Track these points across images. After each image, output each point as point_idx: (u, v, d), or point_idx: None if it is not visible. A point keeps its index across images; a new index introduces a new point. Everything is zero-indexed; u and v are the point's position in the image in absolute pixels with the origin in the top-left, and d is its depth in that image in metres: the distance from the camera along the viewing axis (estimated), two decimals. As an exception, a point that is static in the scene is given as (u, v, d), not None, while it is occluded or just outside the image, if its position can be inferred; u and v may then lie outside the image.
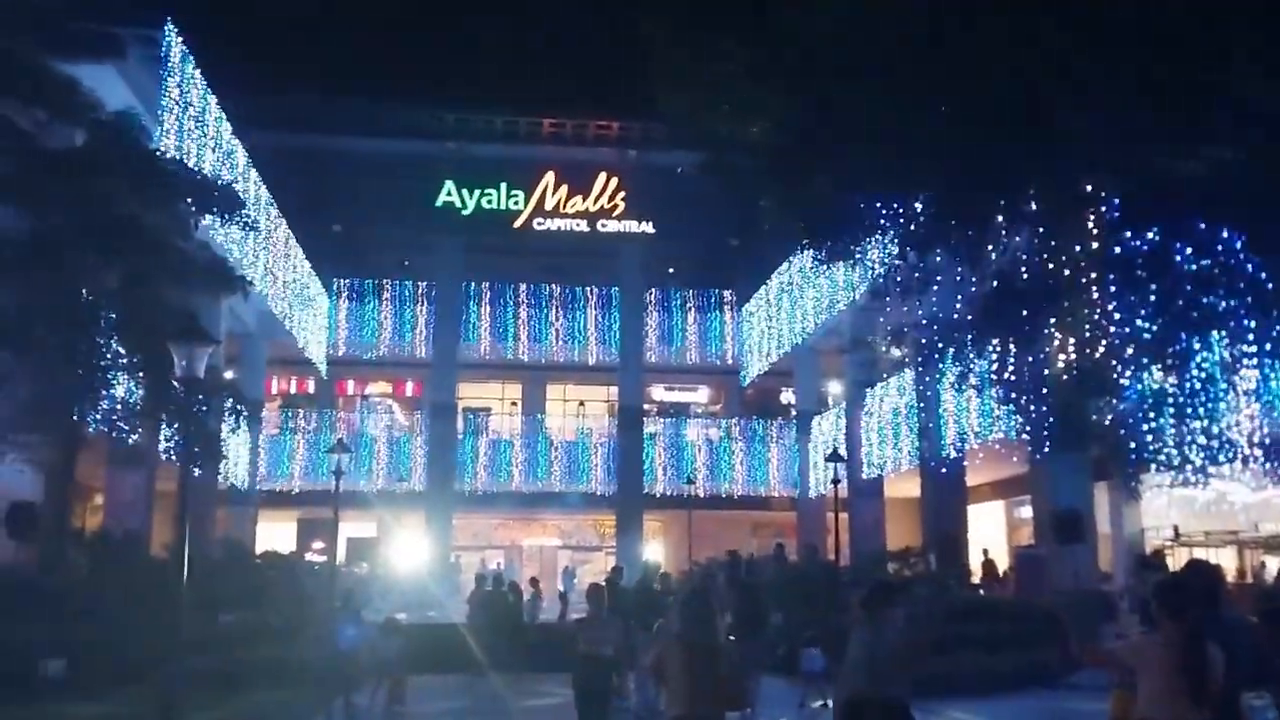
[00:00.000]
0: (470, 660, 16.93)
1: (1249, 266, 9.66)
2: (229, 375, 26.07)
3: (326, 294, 36.28)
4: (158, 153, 17.95)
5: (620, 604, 15.17)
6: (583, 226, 37.89)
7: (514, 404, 40.33)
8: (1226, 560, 29.69)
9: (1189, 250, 9.79)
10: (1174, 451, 11.41)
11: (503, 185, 37.58)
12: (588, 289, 38.26)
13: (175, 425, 17.27)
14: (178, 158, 19.09)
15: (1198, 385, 10.99)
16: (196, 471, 17.60)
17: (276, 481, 34.42)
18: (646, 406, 39.07)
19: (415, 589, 28.93)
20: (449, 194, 37.38)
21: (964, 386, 13.45)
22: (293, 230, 30.63)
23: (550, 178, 37.65)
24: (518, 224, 37.57)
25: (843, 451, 26.23)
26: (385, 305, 37.49)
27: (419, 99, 36.46)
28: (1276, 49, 8.62)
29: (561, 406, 40.62)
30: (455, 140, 37.23)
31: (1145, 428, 11.28)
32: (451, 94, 36.94)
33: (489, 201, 37.58)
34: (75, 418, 16.87)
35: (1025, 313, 10.98)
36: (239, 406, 19.14)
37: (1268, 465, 12.80)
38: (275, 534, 33.19)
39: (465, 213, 37.43)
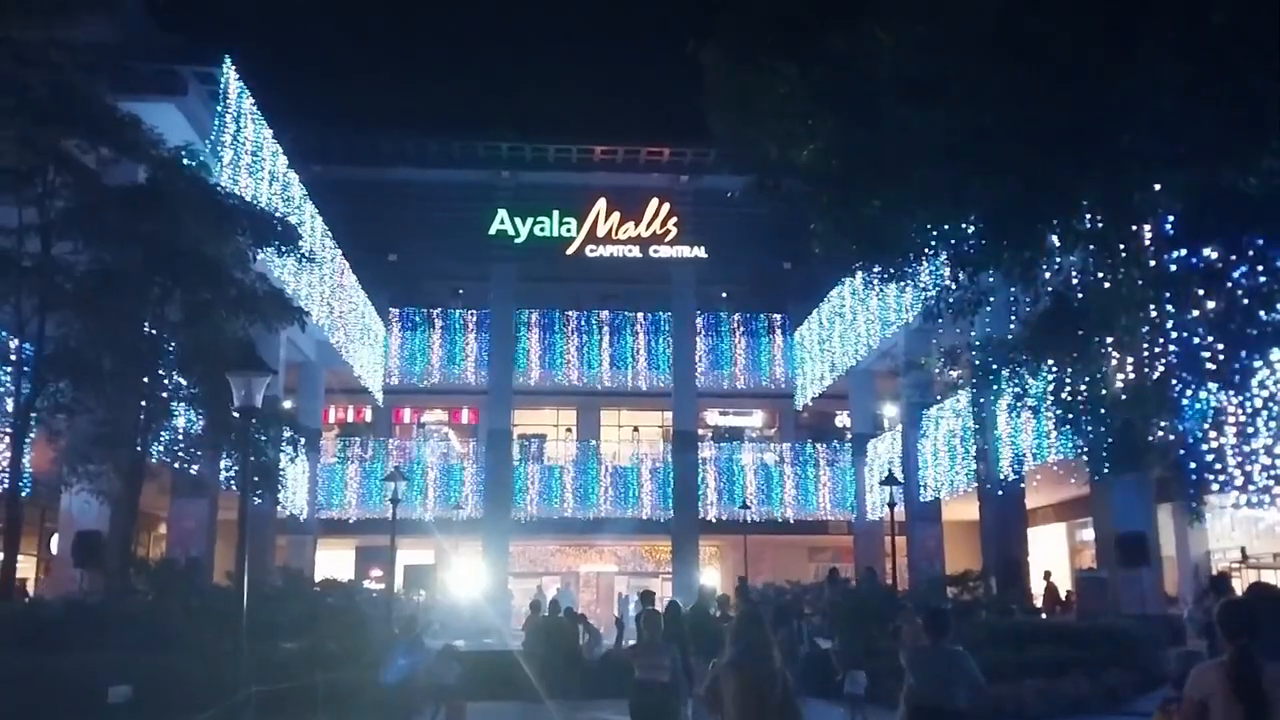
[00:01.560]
0: (527, 687, 16.93)
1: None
2: (288, 405, 26.56)
3: (382, 323, 36.75)
4: (217, 187, 18.38)
5: (675, 631, 15.13)
6: (635, 252, 38.03)
7: (568, 430, 40.47)
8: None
9: (1246, 266, 9.61)
10: (1236, 471, 11.17)
11: (555, 213, 37.87)
12: (640, 314, 38.37)
13: (235, 455, 17.57)
14: (236, 192, 19.53)
15: (1259, 404, 10.76)
16: (256, 500, 17.91)
17: (334, 510, 34.80)
18: (700, 431, 38.99)
19: (472, 616, 29.03)
20: (502, 222, 37.74)
21: (1020, 407, 13.27)
22: (349, 261, 31.14)
23: (602, 204, 37.89)
24: (570, 251, 37.83)
25: (899, 474, 25.95)
26: (440, 333, 37.89)
27: (472, 129, 36.93)
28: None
29: (616, 432, 40.67)
30: (508, 169, 37.63)
31: (1206, 448, 11.05)
32: (504, 123, 37.34)
33: (542, 229, 37.88)
34: (139, 448, 17.24)
35: (1081, 332, 10.83)
36: (297, 436, 19.43)
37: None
38: (334, 562, 33.55)
39: (518, 241, 37.77)
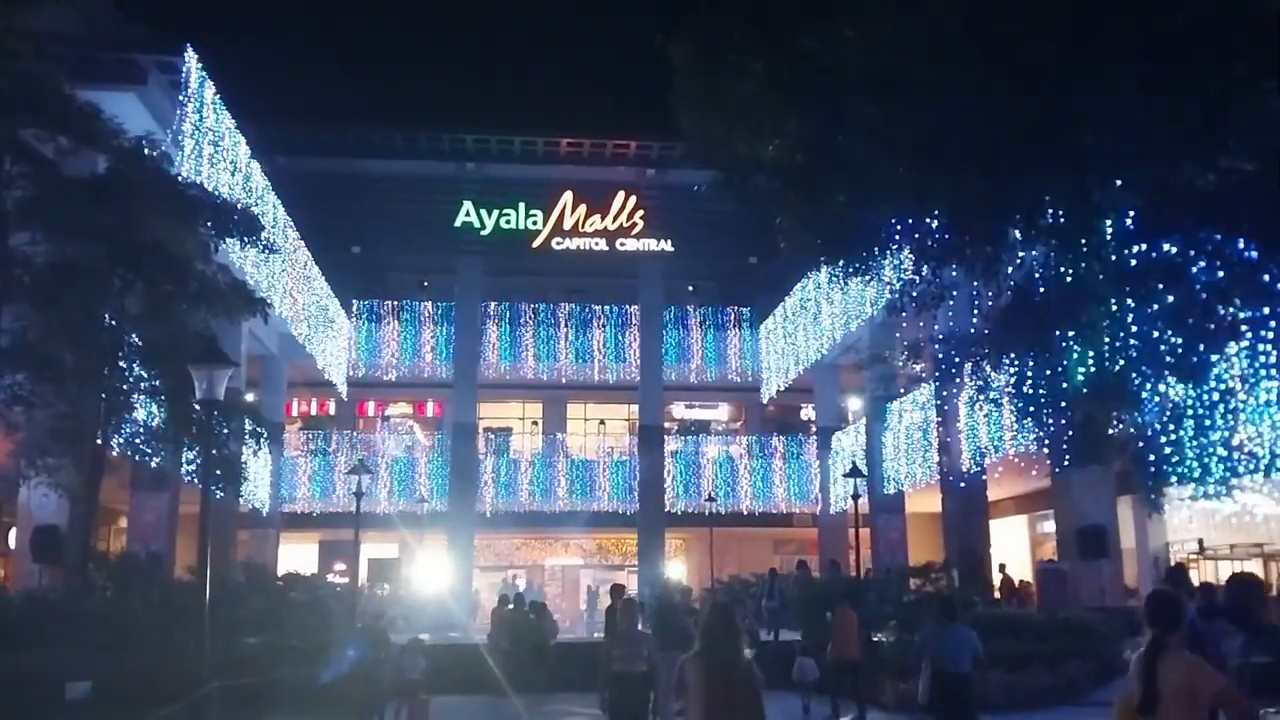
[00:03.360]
0: (493, 681, 16.94)
1: (1265, 277, 9.62)
2: (250, 397, 26.33)
3: (346, 316, 36.51)
4: (179, 178, 18.16)
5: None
6: (601, 245, 37.99)
7: (534, 423, 40.42)
8: (1255, 571, 29.45)
9: (1205, 262, 9.76)
10: (1195, 464, 11.34)
11: (521, 205, 37.75)
12: (607, 307, 38.37)
13: (197, 448, 17.41)
14: (198, 182, 19.31)
15: (1217, 397, 10.94)
16: (218, 494, 17.74)
17: (298, 503, 34.57)
18: (667, 424, 39.06)
19: (437, 609, 28.96)
20: (468, 215, 37.57)
21: (982, 401, 13.39)
22: (312, 253, 30.90)
23: (568, 197, 37.80)
24: (536, 244, 37.73)
25: (863, 467, 26.13)
26: (405, 326, 37.70)
27: (437, 120, 36.73)
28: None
29: (582, 425, 40.67)
30: (474, 161, 37.46)
31: (1165, 440, 11.22)
32: (469, 115, 37.16)
33: (508, 222, 37.75)
34: (99, 441, 17.04)
35: (1042, 326, 10.96)
36: (260, 429, 19.27)
37: (1291, 477, 12.68)
38: (297, 556, 33.36)
39: (484, 233, 37.62)
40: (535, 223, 37.77)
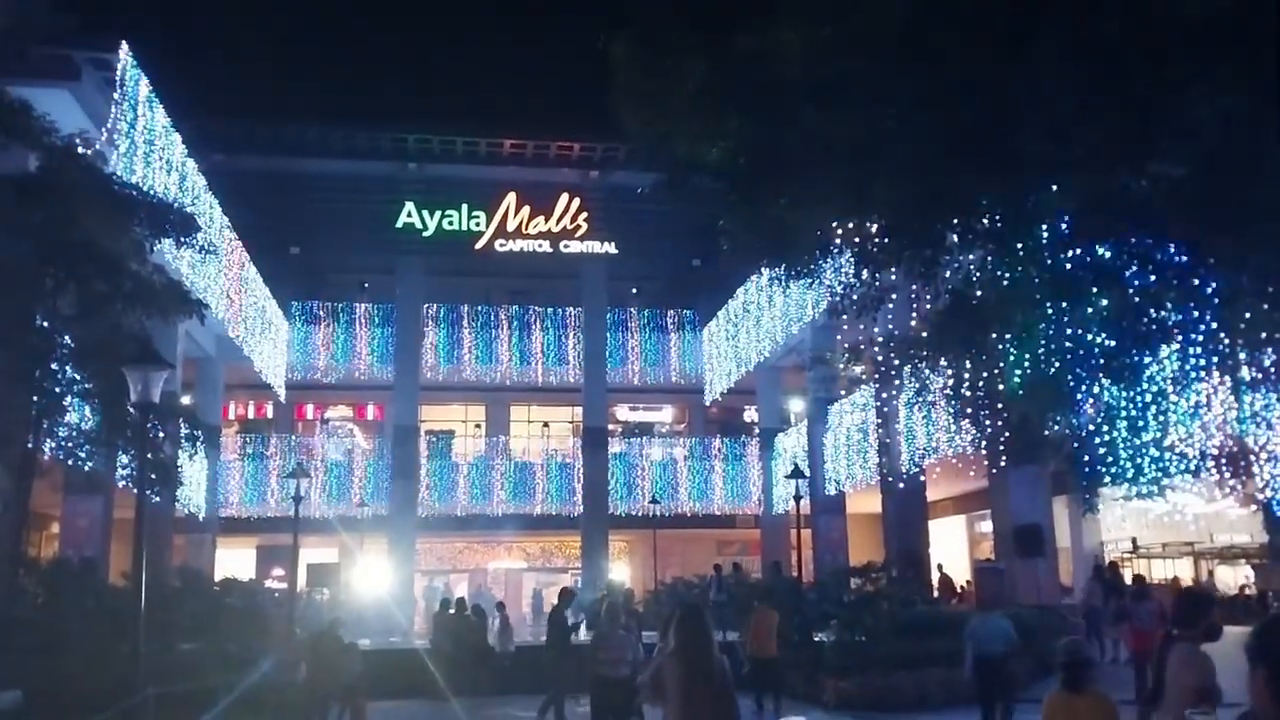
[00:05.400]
0: (433, 685, 16.80)
1: (1196, 281, 9.87)
2: (186, 400, 25.86)
3: (285, 317, 36.01)
4: (113, 176, 17.80)
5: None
6: (545, 247, 37.89)
7: (477, 426, 40.18)
8: (1183, 570, 30.21)
9: (1137, 266, 9.99)
10: (1128, 464, 11.60)
11: (464, 206, 37.52)
12: (551, 310, 38.27)
13: (131, 451, 17.06)
14: (133, 181, 18.94)
15: (1149, 399, 11.20)
16: (154, 498, 17.41)
17: (235, 507, 34.05)
18: (611, 427, 39.06)
19: (378, 614, 28.66)
20: (409, 215, 37.26)
21: (921, 402, 13.59)
22: (251, 253, 30.44)
23: (512, 199, 37.65)
24: (479, 245, 37.51)
25: (805, 469, 26.35)
26: (345, 328, 37.26)
27: (379, 120, 36.36)
28: (1216, 66, 8.85)
29: (525, 428, 40.53)
30: (415, 161, 37.14)
31: (1098, 441, 11.46)
32: (411, 114, 36.83)
33: (450, 223, 37.49)
34: (30, 445, 16.64)
35: (979, 329, 11.15)
36: (196, 432, 18.95)
37: (1218, 477, 13.04)
38: (234, 561, 32.83)
39: (426, 234, 37.32)
40: (478, 224, 37.56)
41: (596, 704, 10.29)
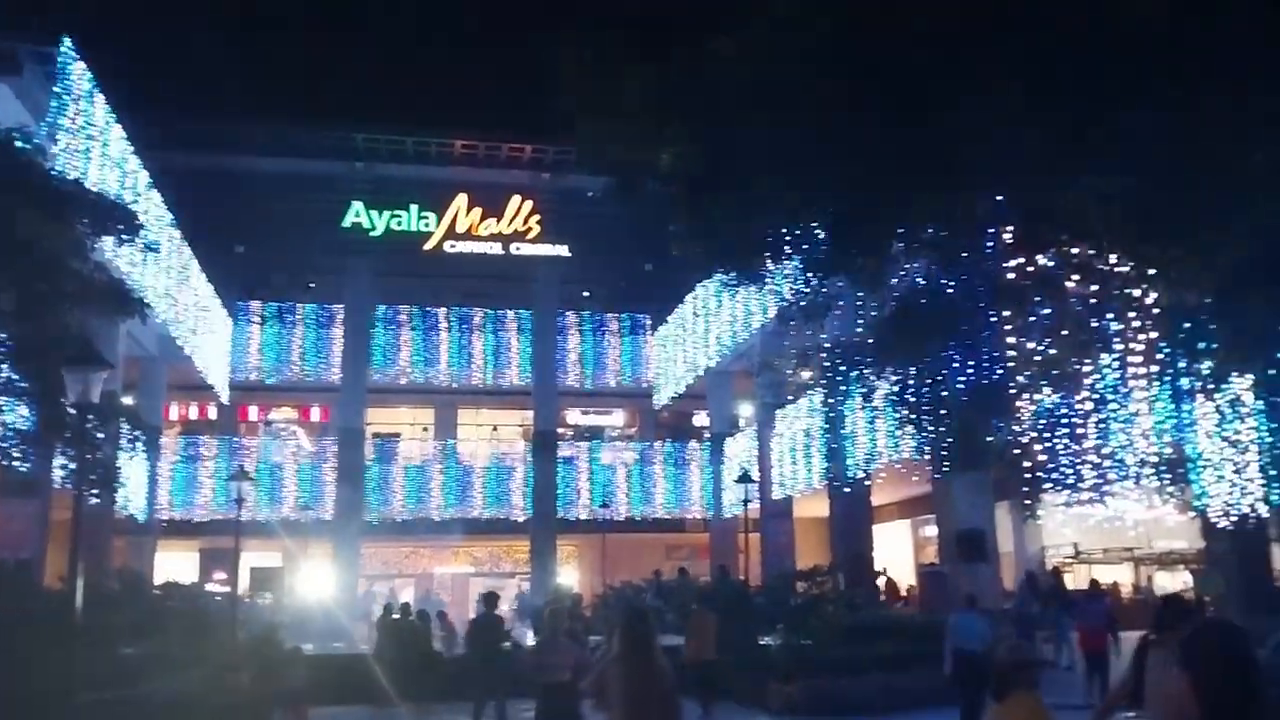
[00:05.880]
0: (377, 690, 16.64)
1: (1135, 292, 10.07)
2: (127, 400, 25.42)
3: (230, 317, 35.51)
4: (53, 172, 17.44)
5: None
6: (496, 249, 37.74)
7: (425, 429, 39.87)
8: (1123, 575, 30.76)
9: (1077, 276, 10.17)
10: (1068, 471, 11.81)
11: (413, 207, 37.27)
12: (501, 312, 38.10)
13: (70, 452, 16.71)
14: (75, 177, 18.57)
15: (1089, 406, 11.41)
16: (92, 500, 17.08)
17: (177, 510, 33.51)
18: (561, 430, 38.95)
19: (323, 619, 28.34)
20: (357, 215, 36.93)
21: (868, 408, 13.73)
22: (195, 252, 29.98)
23: (462, 200, 37.45)
24: (429, 246, 37.27)
25: (754, 473, 26.47)
26: (291, 329, 36.81)
27: (326, 118, 36.00)
28: (1155, 82, 9.04)
29: (474, 431, 40.30)
30: (364, 161, 36.82)
31: (1040, 448, 11.65)
32: (360, 113, 36.56)
33: (399, 223, 37.22)
34: (-37, 445, 16.24)
35: (924, 336, 11.28)
36: (137, 433, 18.61)
37: (1157, 484, 13.33)
38: (176, 564, 32.31)
39: (374, 234, 37.01)
40: (428, 225, 37.32)
41: (541, 709, 10.25)
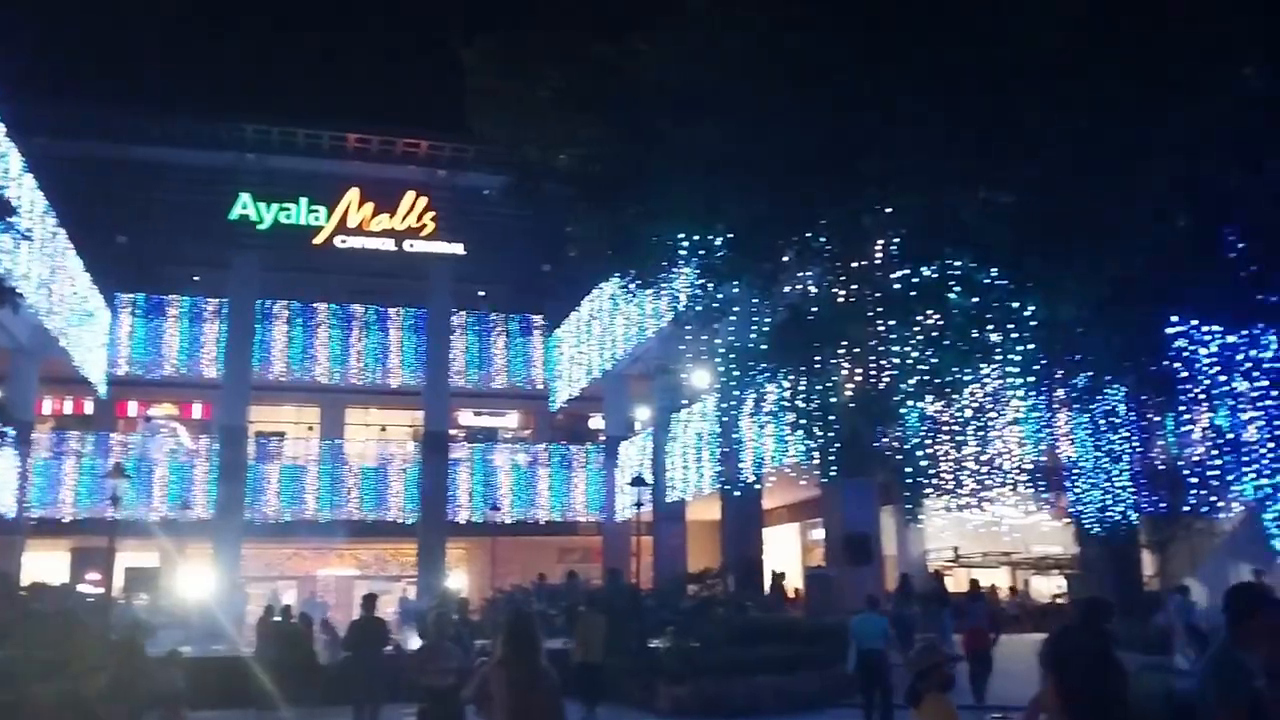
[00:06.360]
0: (258, 694, 16.23)
1: (1015, 304, 10.38)
2: (-5, 394, 24.28)
3: (109, 309, 34.21)
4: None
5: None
6: (389, 246, 37.09)
7: (311, 428, 38.98)
8: (1001, 579, 31.77)
9: (960, 287, 10.45)
10: (949, 477, 12.12)
11: (303, 200, 36.36)
12: (393, 310, 37.42)
13: (-71, 448, 15.91)
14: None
15: (970, 414, 11.73)
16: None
17: (47, 508, 32.11)
18: (453, 432, 38.49)
19: (202, 620, 27.53)
20: (245, 207, 35.89)
21: (760, 413, 13.90)
22: (73, 241, 28.79)
23: (355, 194, 36.70)
24: (318, 240, 36.44)
25: (648, 476, 26.55)
26: (173, 323, 35.58)
27: (215, 107, 35.01)
28: (1045, 105, 9.34)
29: (363, 431, 39.55)
30: (253, 152, 35.81)
31: (922, 454, 11.93)
32: (250, 103, 35.61)
33: (288, 216, 36.28)
34: None
35: (814, 343, 11.46)
36: (6, 427, 17.80)
37: (1033, 490, 13.80)
38: (46, 564, 31.01)
39: (262, 227, 36.01)
40: (318, 219, 36.48)
41: (424, 713, 10.14)
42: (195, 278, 36.69)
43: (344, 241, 36.64)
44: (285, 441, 37.32)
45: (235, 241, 35.52)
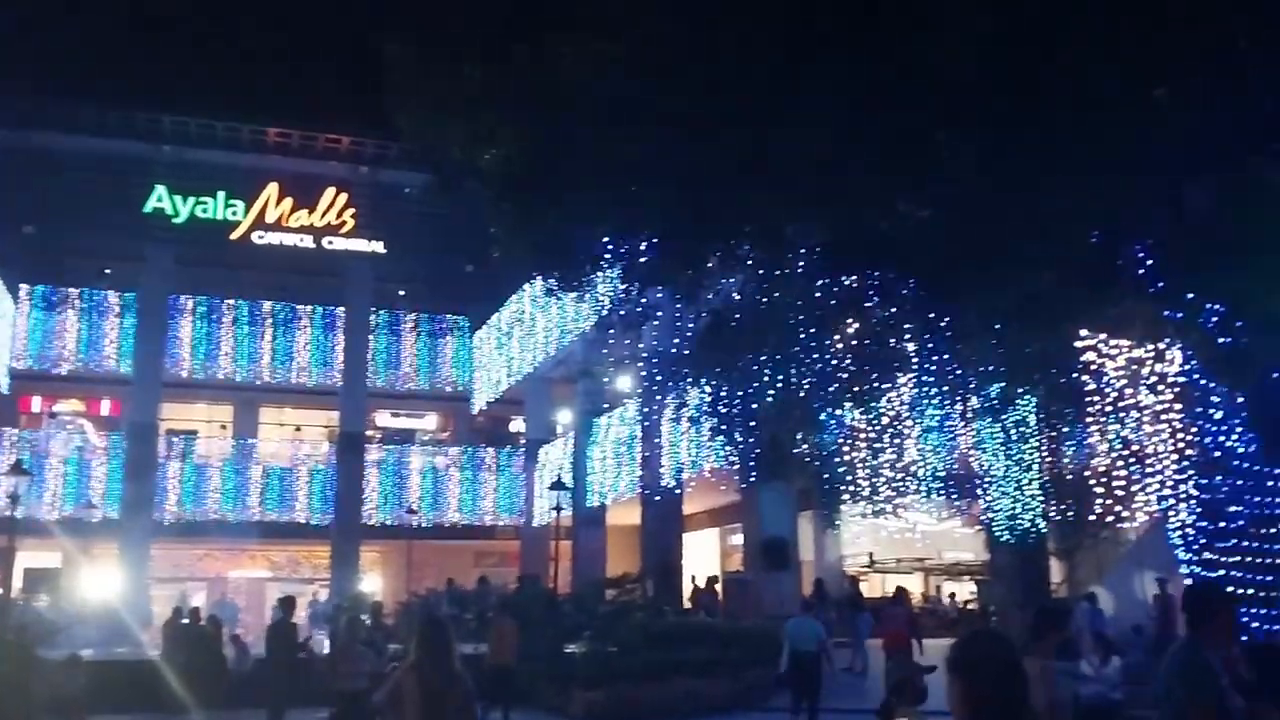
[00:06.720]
0: (164, 697, 15.86)
1: (931, 315, 10.56)
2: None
3: (13, 301, 33.06)
4: None
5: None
6: (308, 242, 36.41)
7: (223, 427, 38.09)
8: (914, 585, 32.31)
9: (879, 298, 10.61)
10: (865, 484, 12.29)
11: (221, 194, 35.52)
12: (311, 308, 36.72)
13: None
14: None
15: (886, 422, 11.91)
16: None
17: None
18: (370, 433, 37.92)
19: (106, 623, 26.72)
20: (159, 200, 34.93)
21: (681, 418, 13.95)
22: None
23: (273, 189, 35.97)
24: (235, 235, 35.64)
25: (568, 480, 26.45)
26: (82, 316, 34.49)
27: (130, 96, 33.96)
28: (963, 120, 9.51)
29: (277, 431, 38.76)
30: (169, 144, 34.88)
31: (839, 461, 12.08)
32: (168, 93, 34.62)
33: (204, 210, 35.41)
34: None
35: (736, 350, 11.53)
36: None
37: (946, 498, 14.08)
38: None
39: (177, 221, 35.09)
40: (235, 214, 35.68)
41: (335, 717, 9.99)
42: (107, 270, 35.65)
43: (262, 237, 35.91)
44: (197, 440, 36.43)
45: (149, 235, 34.53)
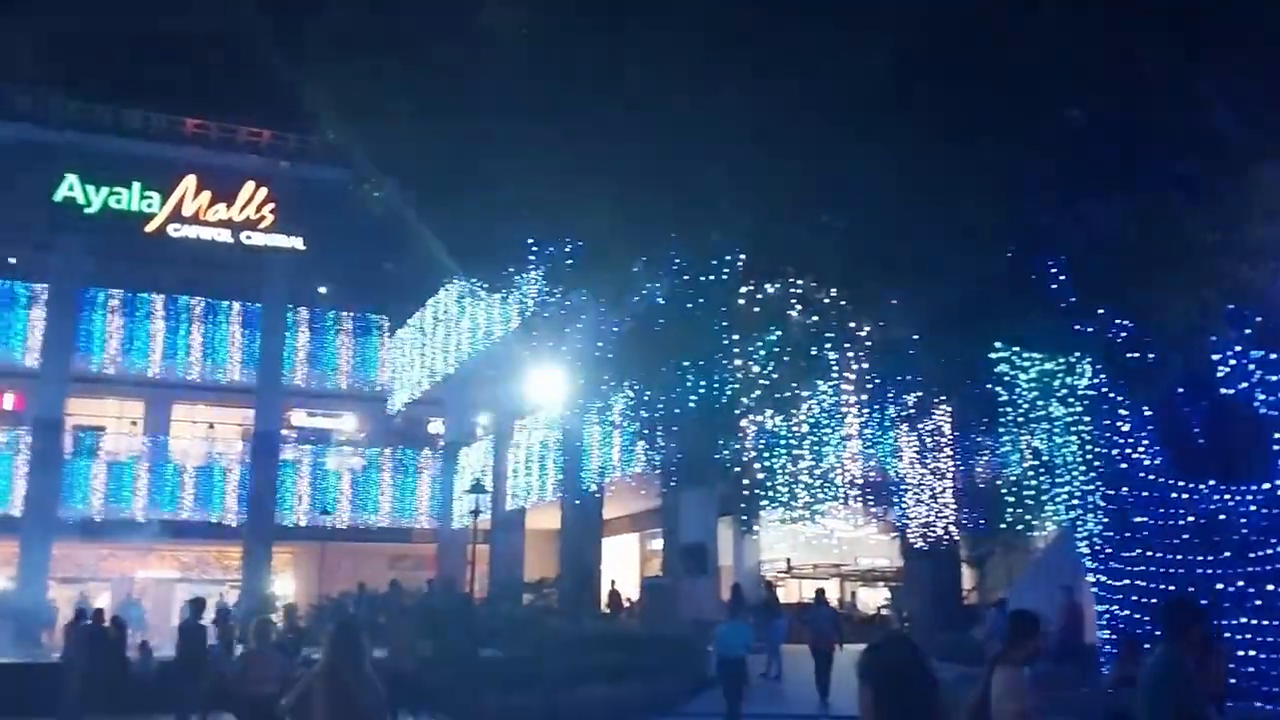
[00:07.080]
0: (65, 702, 15.40)
1: (852, 324, 10.72)
2: None
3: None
4: None
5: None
6: (225, 237, 35.64)
7: (134, 423, 37.06)
8: (830, 590, 32.70)
9: (801, 306, 10.73)
10: (784, 490, 12.40)
11: (135, 185, 34.61)
12: (227, 304, 35.86)
13: None
14: None
15: (806, 429, 12.04)
16: None
17: None
18: (286, 432, 37.19)
19: (6, 625, 25.84)
20: (71, 189, 33.93)
21: (604, 422, 13.95)
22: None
23: (191, 181, 35.14)
24: (150, 228, 34.74)
25: (488, 483, 26.25)
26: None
27: (39, 80, 32.91)
28: (879, 133, 9.65)
29: (189, 429, 37.80)
30: (81, 131, 33.87)
31: (759, 467, 12.18)
32: (78, 78, 33.62)
33: (118, 201, 34.47)
34: None
35: (659, 355, 11.57)
36: None
37: (862, 505, 14.29)
38: None
39: (89, 211, 34.12)
40: (151, 205, 34.79)
41: None
42: (11, 260, 34.47)
43: (178, 230, 35.06)
44: (106, 436, 35.38)
45: (60, 224, 33.51)
